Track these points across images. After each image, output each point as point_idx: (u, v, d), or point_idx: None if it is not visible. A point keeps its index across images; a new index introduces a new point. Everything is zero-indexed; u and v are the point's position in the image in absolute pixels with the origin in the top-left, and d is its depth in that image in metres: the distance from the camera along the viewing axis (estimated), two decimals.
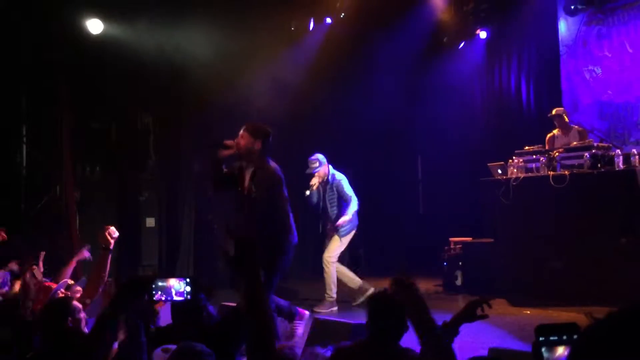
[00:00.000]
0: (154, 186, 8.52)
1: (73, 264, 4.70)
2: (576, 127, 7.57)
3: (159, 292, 2.44)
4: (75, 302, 3.00)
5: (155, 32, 7.63)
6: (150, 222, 8.46)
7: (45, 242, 6.56)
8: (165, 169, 8.66)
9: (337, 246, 6.43)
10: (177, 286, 2.47)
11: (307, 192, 6.52)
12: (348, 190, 6.46)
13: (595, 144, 6.55)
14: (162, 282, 2.46)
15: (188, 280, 2.47)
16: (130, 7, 7.41)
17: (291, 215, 4.53)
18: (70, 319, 2.80)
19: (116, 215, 8.22)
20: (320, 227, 6.73)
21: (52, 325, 2.75)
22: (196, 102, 8.42)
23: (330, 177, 6.48)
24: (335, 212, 6.47)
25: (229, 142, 4.40)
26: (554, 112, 7.65)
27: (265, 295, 2.12)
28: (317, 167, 6.43)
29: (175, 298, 2.47)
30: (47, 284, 4.10)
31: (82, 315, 2.94)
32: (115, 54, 7.44)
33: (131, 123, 8.33)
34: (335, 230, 6.39)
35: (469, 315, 2.37)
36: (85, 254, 4.49)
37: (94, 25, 7.29)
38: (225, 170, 4.58)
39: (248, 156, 4.43)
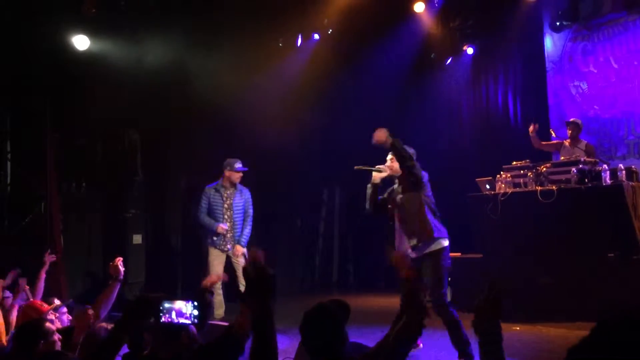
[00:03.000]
0: (141, 203, 8.44)
1: (43, 275, 4.78)
2: (585, 142, 7.66)
3: (166, 314, 2.35)
4: (49, 325, 2.93)
5: (142, 49, 7.60)
6: (137, 239, 8.37)
7: (30, 261, 6.47)
8: (152, 185, 8.59)
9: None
10: (184, 309, 2.37)
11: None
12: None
13: (582, 159, 6.58)
14: (168, 303, 2.37)
15: (196, 303, 2.37)
16: (117, 24, 7.38)
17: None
18: (42, 342, 2.73)
19: (102, 232, 8.14)
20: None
21: (24, 349, 2.68)
22: (183, 118, 8.38)
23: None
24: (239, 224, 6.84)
25: (381, 166, 4.68)
26: (572, 120, 7.84)
27: (271, 320, 2.06)
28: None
29: (182, 321, 2.38)
30: (35, 302, 4.04)
31: (56, 337, 2.87)
32: (101, 70, 7.39)
33: (117, 140, 8.26)
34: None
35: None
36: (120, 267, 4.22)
37: (80, 42, 7.25)
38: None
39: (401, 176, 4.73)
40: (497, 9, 9.38)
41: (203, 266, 6.96)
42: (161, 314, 2.32)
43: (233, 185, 6.78)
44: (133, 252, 8.15)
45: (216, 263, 6.69)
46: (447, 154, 9.61)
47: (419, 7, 9.05)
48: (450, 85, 10.29)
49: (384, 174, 4.78)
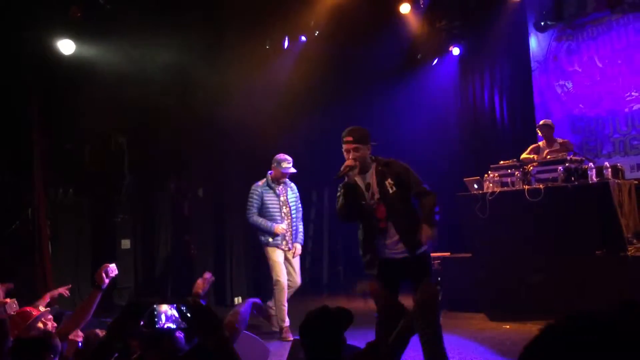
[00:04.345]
0: (130, 207, 8.40)
1: (46, 299, 4.57)
2: (560, 139, 7.69)
3: (157, 319, 2.32)
4: (57, 340, 2.82)
5: (128, 52, 7.57)
6: (126, 243, 8.33)
7: (17, 268, 6.42)
8: (141, 189, 8.55)
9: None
10: (172, 313, 2.34)
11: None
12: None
13: (568, 157, 6.63)
14: (159, 307, 2.34)
15: (184, 307, 2.31)
16: (103, 27, 7.34)
17: None
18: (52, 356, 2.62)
19: (91, 237, 8.09)
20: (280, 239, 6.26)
21: None
22: (171, 121, 8.35)
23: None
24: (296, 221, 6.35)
25: (349, 163, 3.99)
26: (541, 122, 7.76)
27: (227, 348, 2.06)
28: (290, 167, 6.25)
29: (168, 325, 2.35)
30: (26, 308, 3.98)
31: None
32: (88, 74, 7.36)
33: (105, 144, 8.22)
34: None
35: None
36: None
37: (66, 46, 7.21)
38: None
39: (364, 166, 4.07)
40: (482, 10, 9.45)
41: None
42: (155, 319, 2.30)
43: (281, 181, 6.26)
44: (122, 257, 8.11)
45: (280, 262, 6.13)
46: (434, 154, 9.65)
47: (405, 8, 9.10)
48: (437, 85, 10.33)
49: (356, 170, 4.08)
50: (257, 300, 3.06)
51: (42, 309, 4.11)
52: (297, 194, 6.38)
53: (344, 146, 4.06)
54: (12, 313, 3.92)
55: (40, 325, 3.65)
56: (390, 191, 4.00)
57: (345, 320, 2.36)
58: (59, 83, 7.39)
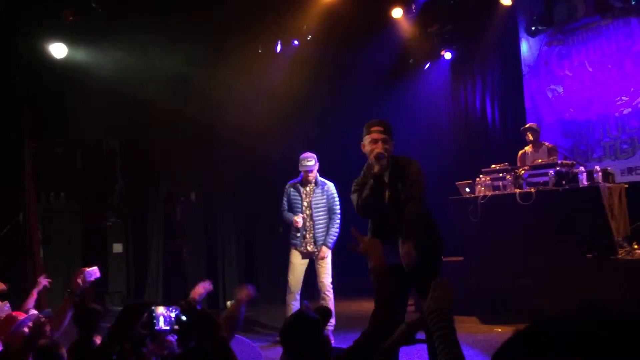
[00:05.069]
0: (121, 211, 8.38)
1: (34, 296, 4.52)
2: (546, 143, 7.73)
3: (154, 321, 2.32)
4: (62, 350, 2.79)
5: (121, 56, 7.56)
6: (118, 247, 8.32)
7: (8, 272, 6.39)
8: (133, 193, 8.53)
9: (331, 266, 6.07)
10: (166, 314, 2.35)
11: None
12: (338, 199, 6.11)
13: (559, 162, 6.68)
14: (155, 309, 2.34)
15: (179, 310, 2.31)
16: (95, 32, 7.33)
17: None
18: None
19: (82, 241, 8.06)
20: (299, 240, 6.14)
21: None
22: (163, 125, 8.34)
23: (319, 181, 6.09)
24: (323, 223, 6.06)
25: (380, 150, 3.74)
26: (527, 125, 7.81)
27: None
28: (312, 165, 6.01)
29: (164, 328, 2.36)
30: (13, 313, 3.94)
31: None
32: (80, 78, 7.34)
33: (97, 147, 8.21)
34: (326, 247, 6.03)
35: (406, 338, 2.27)
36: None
37: (58, 50, 7.20)
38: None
39: (387, 161, 3.80)
40: (474, 14, 9.50)
41: (187, 277, 6.87)
42: (154, 321, 2.31)
43: (311, 181, 6.06)
44: (113, 261, 8.10)
45: (295, 264, 6.12)
46: (427, 158, 9.65)
47: (397, 13, 9.14)
48: (429, 89, 10.38)
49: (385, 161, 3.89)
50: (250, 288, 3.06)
51: (33, 312, 4.08)
52: (332, 194, 6.07)
53: (373, 135, 3.80)
54: (2, 316, 3.89)
55: (25, 329, 3.61)
56: (402, 197, 3.77)
57: (324, 318, 2.38)
58: (51, 87, 7.38)
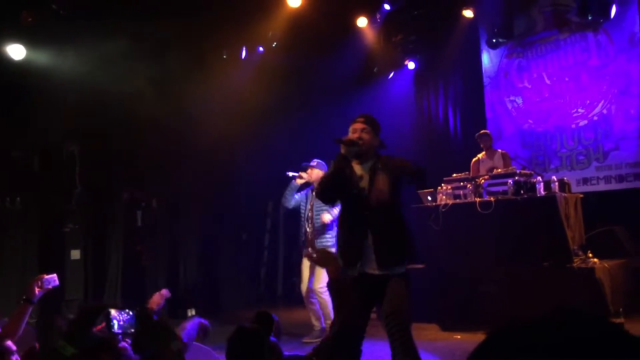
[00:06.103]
0: (80, 217, 8.20)
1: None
2: (500, 150, 7.89)
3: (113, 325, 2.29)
4: (9, 343, 2.71)
5: (82, 59, 7.42)
6: (76, 254, 8.12)
7: None
8: (92, 198, 8.36)
9: (323, 272, 5.96)
10: (119, 318, 2.33)
11: (290, 174, 6.27)
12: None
13: (518, 171, 6.82)
14: (111, 313, 2.31)
15: (133, 312, 2.29)
16: (55, 33, 7.19)
17: None
18: None
19: (38, 248, 7.86)
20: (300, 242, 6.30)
21: None
22: (124, 129, 8.21)
23: None
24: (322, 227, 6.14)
25: (352, 137, 3.70)
26: (481, 132, 7.97)
27: None
28: (314, 165, 6.17)
29: (117, 331, 2.33)
30: None
31: (15, 358, 2.69)
32: (39, 80, 7.18)
33: (55, 152, 8.02)
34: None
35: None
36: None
37: (16, 51, 7.03)
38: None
39: (366, 154, 3.74)
40: (437, 26, 9.66)
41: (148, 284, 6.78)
42: (111, 323, 2.28)
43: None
44: (71, 268, 7.91)
45: (302, 267, 6.29)
46: None
47: (362, 22, 9.23)
48: (393, 98, 10.49)
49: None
50: (204, 321, 3.03)
51: None
52: None
53: (353, 126, 3.82)
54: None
55: None
56: (381, 187, 3.61)
57: (266, 324, 2.38)
58: (8, 89, 7.19)
